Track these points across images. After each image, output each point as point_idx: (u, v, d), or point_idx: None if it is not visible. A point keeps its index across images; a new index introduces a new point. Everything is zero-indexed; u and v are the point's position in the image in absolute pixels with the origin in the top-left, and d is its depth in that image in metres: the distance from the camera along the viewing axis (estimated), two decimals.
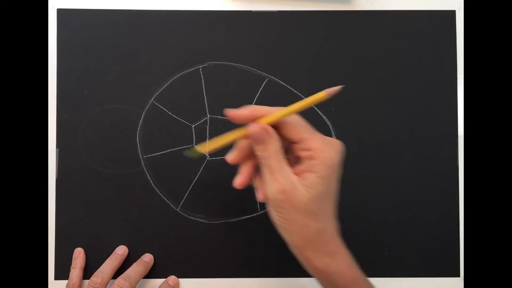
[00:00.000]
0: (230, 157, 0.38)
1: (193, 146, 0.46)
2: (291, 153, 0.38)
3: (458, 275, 0.47)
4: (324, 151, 0.35)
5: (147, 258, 0.47)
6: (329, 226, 0.36)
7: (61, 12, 0.48)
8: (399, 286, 0.47)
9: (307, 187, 0.35)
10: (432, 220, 0.48)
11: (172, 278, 0.47)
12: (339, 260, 0.36)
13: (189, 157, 0.45)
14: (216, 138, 0.38)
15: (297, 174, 0.36)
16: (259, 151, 0.36)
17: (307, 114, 0.48)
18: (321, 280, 0.37)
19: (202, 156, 0.45)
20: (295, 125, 0.36)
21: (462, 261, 0.47)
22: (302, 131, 0.36)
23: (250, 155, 0.37)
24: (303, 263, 0.37)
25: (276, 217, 0.36)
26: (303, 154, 0.36)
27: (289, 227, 0.36)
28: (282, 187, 0.35)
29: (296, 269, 0.42)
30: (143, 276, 0.46)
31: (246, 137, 0.37)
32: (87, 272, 0.46)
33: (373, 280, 0.44)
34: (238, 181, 0.38)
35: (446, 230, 0.48)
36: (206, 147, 0.40)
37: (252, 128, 0.35)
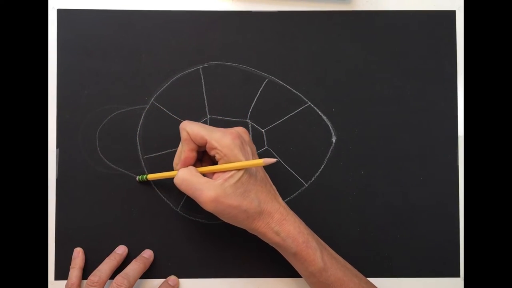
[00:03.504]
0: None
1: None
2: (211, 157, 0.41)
3: (458, 275, 0.47)
4: (221, 142, 0.39)
5: (147, 254, 0.47)
6: (265, 198, 0.40)
7: (61, 12, 0.48)
8: (399, 286, 0.47)
9: (227, 182, 0.39)
10: (432, 220, 0.48)
11: (172, 278, 0.47)
12: (288, 225, 0.40)
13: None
14: (159, 173, 0.45)
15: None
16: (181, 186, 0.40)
17: (308, 114, 0.48)
18: (279, 248, 0.41)
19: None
20: (195, 135, 0.40)
21: (462, 261, 0.47)
22: (202, 135, 0.40)
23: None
24: (261, 237, 0.41)
25: (223, 219, 0.40)
26: (212, 153, 0.40)
27: (236, 220, 0.40)
28: (209, 196, 0.38)
29: (296, 269, 0.43)
30: (142, 273, 0.45)
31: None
32: (87, 272, 0.46)
33: (373, 280, 0.44)
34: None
35: (446, 230, 0.48)
36: (151, 176, 0.46)
37: (177, 179, 0.40)
